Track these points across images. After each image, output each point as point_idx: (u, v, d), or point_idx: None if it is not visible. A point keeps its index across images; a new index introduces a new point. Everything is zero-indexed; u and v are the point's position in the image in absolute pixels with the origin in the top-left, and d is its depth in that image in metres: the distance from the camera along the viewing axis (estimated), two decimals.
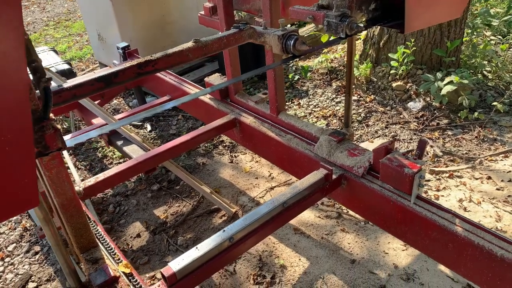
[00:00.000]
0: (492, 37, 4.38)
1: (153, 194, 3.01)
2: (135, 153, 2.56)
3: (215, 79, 2.70)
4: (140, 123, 3.92)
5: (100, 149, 3.55)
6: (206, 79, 2.72)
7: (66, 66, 3.80)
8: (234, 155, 3.37)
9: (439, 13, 1.82)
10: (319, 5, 1.74)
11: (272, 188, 2.95)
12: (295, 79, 4.31)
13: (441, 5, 1.78)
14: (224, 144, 3.51)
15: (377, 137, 3.38)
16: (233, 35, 1.58)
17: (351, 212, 2.63)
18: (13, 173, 0.89)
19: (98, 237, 1.76)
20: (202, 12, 2.65)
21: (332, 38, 3.67)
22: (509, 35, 4.51)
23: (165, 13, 4.23)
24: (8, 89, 0.80)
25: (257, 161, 3.26)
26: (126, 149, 2.57)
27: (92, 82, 1.27)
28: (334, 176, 1.93)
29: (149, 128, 3.85)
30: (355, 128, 3.49)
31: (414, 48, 3.69)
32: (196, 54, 1.49)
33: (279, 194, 1.80)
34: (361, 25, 1.69)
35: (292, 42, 1.50)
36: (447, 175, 2.87)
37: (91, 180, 2.08)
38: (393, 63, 3.78)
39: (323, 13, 1.66)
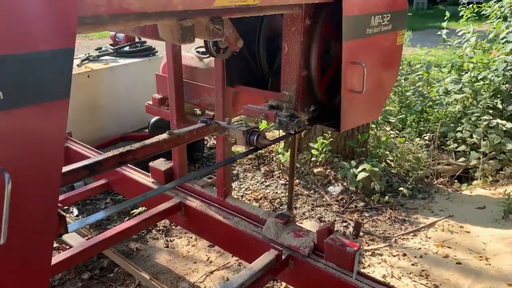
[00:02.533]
0: (391, 131, 5.15)
1: (83, 283, 2.83)
2: (74, 239, 2.47)
3: (160, 164, 2.80)
4: (66, 207, 3.74)
5: None
6: (150, 164, 2.80)
7: None
8: (170, 239, 3.35)
9: (364, 115, 2.22)
10: (270, 105, 2.03)
11: (211, 272, 2.97)
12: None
13: (366, 109, 2.18)
14: (158, 228, 3.49)
15: (305, 218, 3.65)
16: (201, 129, 1.76)
17: None
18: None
19: None
20: (150, 102, 2.82)
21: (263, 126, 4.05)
22: (404, 130, 5.34)
23: (95, 98, 4.30)
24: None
25: (193, 245, 3.28)
26: (65, 236, 2.47)
27: (79, 170, 1.33)
28: (283, 257, 2.08)
29: (75, 212, 3.68)
30: (284, 210, 3.73)
31: (331, 139, 4.20)
32: (170, 144, 1.64)
33: (236, 276, 1.89)
34: (306, 123, 2.00)
35: (255, 137, 1.73)
36: (369, 253, 3.18)
37: None
38: (313, 151, 4.23)
39: (274, 113, 1.95)
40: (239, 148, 4.62)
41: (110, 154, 1.44)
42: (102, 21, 1.02)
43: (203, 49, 2.52)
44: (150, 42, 6.07)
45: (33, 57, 0.79)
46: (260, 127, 4.37)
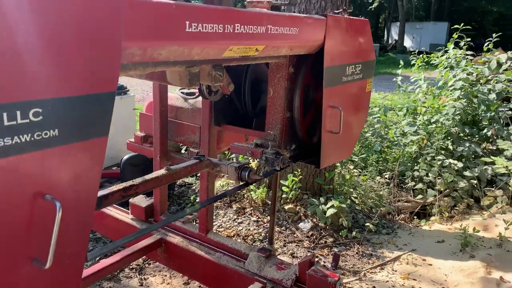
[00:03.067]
0: (354, 170, 5.43)
1: None
2: None
3: (141, 201, 2.83)
4: None
5: None
6: (131, 200, 2.83)
7: None
8: (144, 277, 3.32)
9: (340, 153, 2.42)
10: (256, 143, 2.19)
11: None
12: (197, 200, 4.59)
13: (342, 148, 2.38)
14: (131, 267, 3.45)
15: (278, 254, 3.74)
16: (195, 165, 1.87)
17: None
18: None
19: None
20: (132, 140, 2.89)
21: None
22: (366, 169, 5.64)
23: None
24: None
25: (168, 283, 3.27)
26: None
27: None
28: None
29: None
30: (258, 246, 3.81)
31: (300, 176, 4.38)
32: (168, 179, 1.73)
33: None
34: (289, 160, 2.16)
35: (247, 173, 1.86)
36: (342, 286, 3.30)
37: None
38: (284, 188, 4.38)
39: (261, 150, 2.10)
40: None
41: (115, 188, 1.52)
42: (126, 68, 1.15)
43: (187, 91, 2.67)
44: (122, 80, 6.15)
45: (85, 99, 0.91)
46: (251, 164, 4.50)
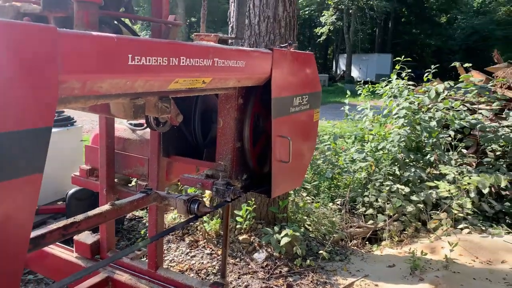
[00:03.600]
0: (308, 197, 5.50)
1: None
2: None
3: (86, 237, 2.69)
4: None
5: None
6: (75, 237, 2.68)
7: None
8: None
9: (291, 182, 2.44)
10: (206, 174, 2.16)
11: None
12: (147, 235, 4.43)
13: (292, 177, 2.40)
14: None
15: (232, 287, 3.66)
16: (142, 199, 1.81)
17: None
18: None
19: None
20: (77, 173, 2.77)
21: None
22: (318, 196, 5.73)
23: None
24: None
25: None
26: None
27: None
28: None
29: None
30: (210, 281, 3.71)
31: (254, 205, 4.37)
32: (112, 215, 1.66)
33: None
34: (240, 191, 2.15)
35: (196, 205, 1.82)
36: None
37: None
38: (238, 218, 4.34)
39: (211, 182, 2.07)
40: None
41: (54, 226, 1.43)
42: (65, 101, 1.11)
43: (136, 122, 2.61)
44: (69, 111, 5.94)
45: (16, 135, 0.86)
46: (188, 190, 4.41)
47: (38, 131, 0.90)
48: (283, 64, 2.02)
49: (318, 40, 38.33)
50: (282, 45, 2.18)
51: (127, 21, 1.87)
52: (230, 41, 1.99)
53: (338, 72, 40.28)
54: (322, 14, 35.12)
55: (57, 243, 2.79)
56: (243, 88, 2.03)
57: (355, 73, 36.39)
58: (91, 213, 1.58)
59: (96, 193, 2.69)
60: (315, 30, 38.93)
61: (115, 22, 1.76)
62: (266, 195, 2.25)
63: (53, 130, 4.57)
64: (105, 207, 1.65)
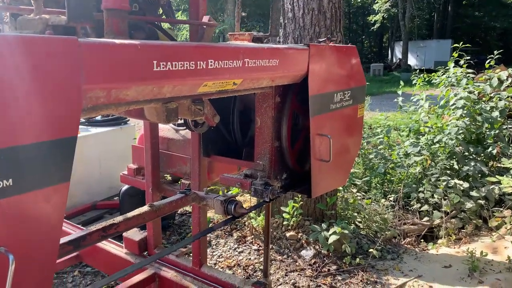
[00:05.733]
0: (358, 193, 5.34)
1: None
2: None
3: (134, 234, 2.79)
4: None
5: None
6: (124, 234, 2.79)
7: None
8: None
9: (333, 181, 2.37)
10: (245, 174, 2.15)
11: None
12: None
13: (334, 176, 2.33)
14: None
15: (279, 285, 3.64)
16: (180, 199, 1.84)
17: None
18: None
19: None
20: (125, 172, 2.87)
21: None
22: (370, 192, 5.55)
23: None
24: None
25: None
26: None
27: (64, 246, 1.36)
28: None
29: None
30: (259, 277, 3.72)
31: (301, 202, 4.31)
32: (151, 216, 1.70)
33: None
34: (279, 191, 2.12)
35: (233, 206, 1.82)
36: None
37: None
38: (285, 215, 4.31)
39: (249, 181, 2.06)
40: (210, 214, 4.65)
41: (93, 228, 1.48)
42: (97, 109, 1.13)
43: (179, 121, 2.66)
44: None
45: (43, 146, 0.89)
46: (231, 191, 4.45)
47: (63, 141, 0.93)
48: (322, 60, 1.95)
49: (372, 28, 37.04)
50: (321, 40, 2.10)
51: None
52: (265, 39, 1.96)
53: (394, 60, 38.68)
54: (376, 1, 33.87)
55: (109, 239, 2.93)
56: (280, 86, 1.99)
57: (412, 61, 34.78)
58: (130, 215, 1.63)
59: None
60: (368, 18, 37.70)
61: (151, 25, 1.78)
62: (307, 195, 2.19)
63: (107, 129, 4.81)
64: (144, 208, 1.69)
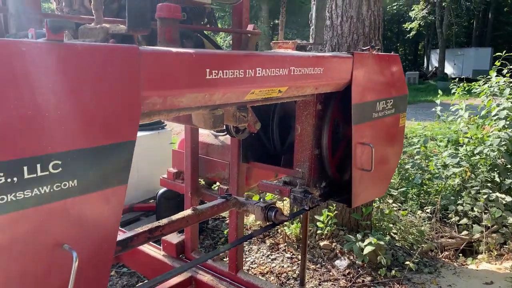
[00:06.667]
0: (394, 204, 5.23)
1: None
2: None
3: (172, 237, 2.85)
4: None
5: None
6: (163, 237, 2.85)
7: None
8: None
9: (373, 191, 2.34)
10: (284, 181, 2.16)
11: None
12: None
13: (375, 186, 2.30)
14: None
15: None
16: (222, 204, 1.87)
17: None
18: None
19: None
20: (165, 176, 2.94)
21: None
22: (406, 203, 5.42)
23: None
24: None
25: None
26: None
27: None
28: None
29: None
30: (292, 285, 3.70)
31: (335, 211, 4.26)
32: (194, 220, 1.73)
33: None
34: (318, 199, 2.11)
35: (273, 213, 1.83)
36: None
37: None
38: (319, 224, 4.27)
39: (289, 189, 2.06)
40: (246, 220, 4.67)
41: (140, 230, 1.53)
42: (151, 114, 1.17)
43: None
44: None
45: (104, 149, 0.93)
46: (266, 197, 4.46)
47: (123, 145, 0.97)
48: (365, 68, 1.94)
49: (407, 35, 36.31)
50: (364, 48, 2.09)
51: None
52: (308, 46, 1.97)
53: (430, 68, 37.70)
54: (412, 8, 33.21)
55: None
56: (322, 94, 1.99)
57: (449, 69, 33.79)
58: (174, 217, 1.66)
59: (183, 194, 2.83)
60: (403, 25, 36.98)
61: (198, 34, 1.83)
62: (347, 204, 2.18)
63: (145, 133, 4.93)
64: (188, 211, 1.72)
